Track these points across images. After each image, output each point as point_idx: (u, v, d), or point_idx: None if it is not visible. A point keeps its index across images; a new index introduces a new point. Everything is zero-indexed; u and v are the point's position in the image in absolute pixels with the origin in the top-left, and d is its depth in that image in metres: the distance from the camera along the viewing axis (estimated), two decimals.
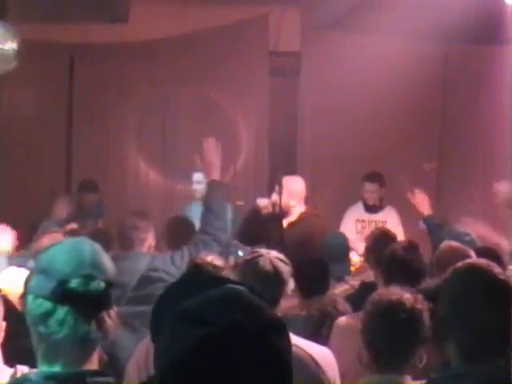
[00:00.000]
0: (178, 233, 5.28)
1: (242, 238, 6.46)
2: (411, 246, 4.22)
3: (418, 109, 8.56)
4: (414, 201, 5.98)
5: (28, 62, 7.05)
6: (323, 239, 5.94)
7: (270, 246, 5.98)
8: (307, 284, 4.51)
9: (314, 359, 3.13)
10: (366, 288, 4.55)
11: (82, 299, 1.95)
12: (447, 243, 4.73)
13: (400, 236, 6.75)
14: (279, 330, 1.32)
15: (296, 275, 4.50)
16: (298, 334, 3.24)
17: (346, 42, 8.37)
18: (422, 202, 5.90)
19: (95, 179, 7.90)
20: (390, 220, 7.27)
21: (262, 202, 6.44)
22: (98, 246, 2.08)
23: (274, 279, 3.24)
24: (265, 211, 6.37)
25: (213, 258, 3.77)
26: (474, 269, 2.44)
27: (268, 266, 3.26)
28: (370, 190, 7.33)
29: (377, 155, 8.22)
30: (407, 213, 6.78)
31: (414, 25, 7.57)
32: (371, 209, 7.38)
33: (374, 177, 7.34)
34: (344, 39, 8.40)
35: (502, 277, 2.39)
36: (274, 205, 6.32)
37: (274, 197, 6.34)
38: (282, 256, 3.38)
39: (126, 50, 8.40)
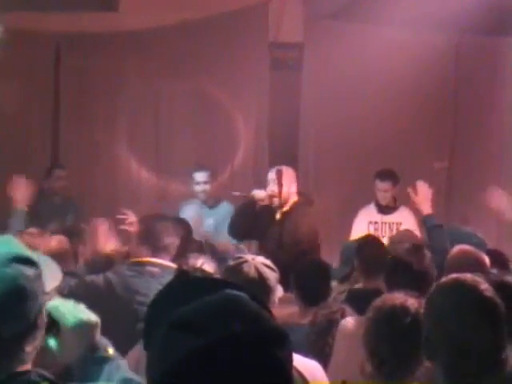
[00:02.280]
0: (150, 232, 4.81)
1: (233, 232, 6.45)
2: (415, 249, 4.22)
3: (428, 103, 8.51)
4: (415, 198, 5.70)
5: (13, 51, 7.16)
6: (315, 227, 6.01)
7: (265, 241, 6.12)
8: (308, 290, 4.55)
9: (299, 373, 3.08)
10: (354, 295, 4.66)
11: None
12: (459, 247, 4.77)
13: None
14: (281, 341, 1.31)
15: (296, 281, 4.58)
16: (299, 342, 3.29)
17: (351, 33, 8.33)
18: (425, 199, 5.64)
19: (84, 177, 7.95)
20: (405, 221, 7.18)
21: (259, 194, 6.35)
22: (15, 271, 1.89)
23: (259, 287, 3.19)
24: (261, 203, 6.30)
25: (203, 263, 3.79)
26: (459, 285, 2.48)
27: (253, 273, 3.25)
28: (382, 189, 7.23)
29: (383, 152, 8.18)
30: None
31: (423, 14, 7.53)
32: (384, 209, 7.29)
33: (385, 174, 7.21)
34: (350, 29, 8.37)
35: (488, 294, 2.44)
36: (270, 197, 6.29)
37: (272, 187, 6.30)
38: (268, 262, 3.37)
39: (116, 40, 8.38)
